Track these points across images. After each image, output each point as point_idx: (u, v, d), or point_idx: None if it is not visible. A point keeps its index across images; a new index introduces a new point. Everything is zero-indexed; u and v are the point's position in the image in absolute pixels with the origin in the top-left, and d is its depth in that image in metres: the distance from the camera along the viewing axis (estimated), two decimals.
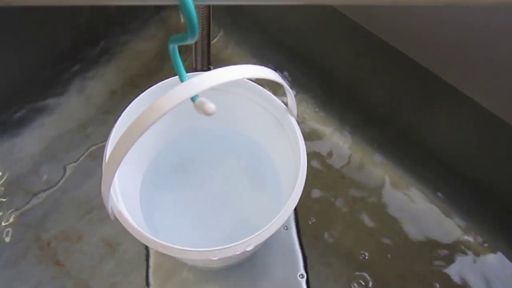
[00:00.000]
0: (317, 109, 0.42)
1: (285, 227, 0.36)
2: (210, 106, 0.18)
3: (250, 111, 0.31)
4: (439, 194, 0.39)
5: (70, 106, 0.42)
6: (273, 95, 0.28)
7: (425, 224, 0.37)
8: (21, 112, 0.40)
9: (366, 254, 0.36)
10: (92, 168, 0.39)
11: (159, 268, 0.35)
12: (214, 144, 0.35)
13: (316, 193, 0.38)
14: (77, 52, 0.42)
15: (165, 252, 0.23)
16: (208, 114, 0.17)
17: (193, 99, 0.19)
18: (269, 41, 0.45)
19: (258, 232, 0.24)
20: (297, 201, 0.25)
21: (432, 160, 0.40)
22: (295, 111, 0.27)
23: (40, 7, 0.26)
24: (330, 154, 0.40)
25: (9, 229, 0.36)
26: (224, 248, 0.23)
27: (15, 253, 0.35)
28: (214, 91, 0.31)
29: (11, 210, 0.37)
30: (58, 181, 0.38)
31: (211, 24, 0.36)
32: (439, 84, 0.36)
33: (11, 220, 0.37)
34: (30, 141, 0.40)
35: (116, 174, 0.28)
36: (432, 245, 0.37)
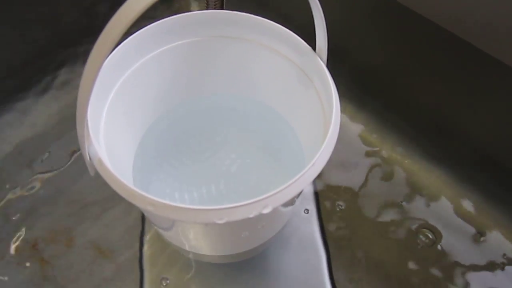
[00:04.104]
0: None
1: (306, 210, 0.30)
2: None
3: (267, 65, 0.26)
4: None
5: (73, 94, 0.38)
6: (296, 35, 0.23)
7: None
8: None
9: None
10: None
11: (155, 276, 0.29)
12: (222, 113, 0.30)
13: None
14: None
15: (157, 212, 0.18)
16: None
17: None
18: None
19: (279, 189, 0.18)
20: (328, 156, 0.20)
21: None
22: (325, 54, 0.22)
23: None
24: None
25: None
26: (234, 206, 0.17)
27: None
28: (227, 39, 0.26)
29: None
30: (50, 172, 0.33)
31: None
32: None
33: None
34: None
35: (103, 142, 0.23)
36: None
